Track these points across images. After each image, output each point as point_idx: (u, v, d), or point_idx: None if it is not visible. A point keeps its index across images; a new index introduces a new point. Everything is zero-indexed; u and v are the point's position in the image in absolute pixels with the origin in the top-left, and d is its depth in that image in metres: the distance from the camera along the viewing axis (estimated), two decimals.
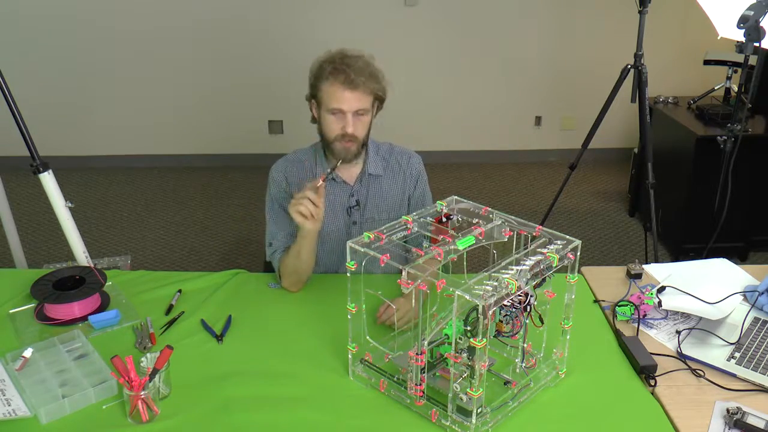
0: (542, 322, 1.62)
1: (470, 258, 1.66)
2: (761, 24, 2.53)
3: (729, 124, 2.88)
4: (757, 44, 2.56)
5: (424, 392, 1.54)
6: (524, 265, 1.47)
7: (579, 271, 1.78)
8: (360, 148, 2.02)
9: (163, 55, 4.71)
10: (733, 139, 2.85)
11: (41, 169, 2.23)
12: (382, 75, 2.00)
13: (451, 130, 5.03)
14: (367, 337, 1.67)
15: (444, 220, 1.70)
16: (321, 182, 1.87)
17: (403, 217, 1.68)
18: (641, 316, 1.89)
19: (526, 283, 1.46)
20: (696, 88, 4.06)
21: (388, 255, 1.50)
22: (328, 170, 1.98)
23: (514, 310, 1.54)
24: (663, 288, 1.99)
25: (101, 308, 1.92)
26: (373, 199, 2.13)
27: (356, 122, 1.96)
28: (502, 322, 1.57)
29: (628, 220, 4.28)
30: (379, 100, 2.04)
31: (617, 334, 1.84)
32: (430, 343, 1.52)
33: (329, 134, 1.99)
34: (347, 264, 1.55)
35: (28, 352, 1.68)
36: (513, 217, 1.66)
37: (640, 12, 3.06)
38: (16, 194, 4.15)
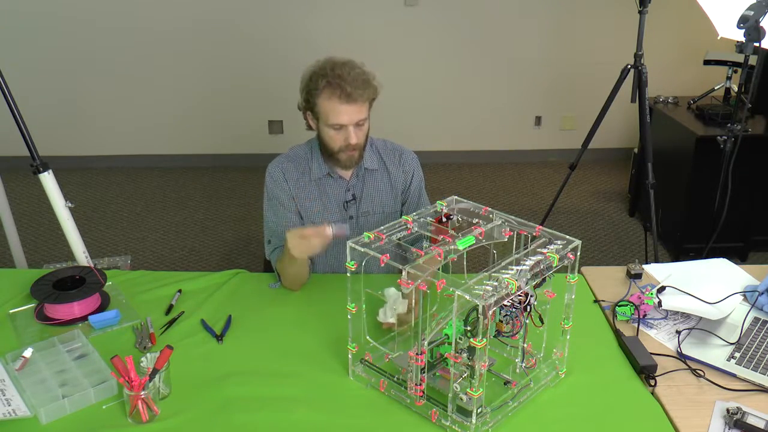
0: (542, 322, 1.62)
1: (470, 258, 1.66)
2: (761, 24, 2.53)
3: (729, 124, 2.88)
4: (757, 44, 2.56)
5: (424, 392, 1.54)
6: (524, 265, 1.47)
7: (579, 271, 1.78)
8: (363, 151, 2.06)
9: (164, 55, 4.71)
10: (733, 139, 2.85)
11: (41, 169, 2.24)
12: (373, 76, 2.00)
13: (451, 130, 5.03)
14: (367, 337, 1.67)
15: (444, 220, 1.70)
16: (331, 231, 1.82)
17: (403, 217, 1.67)
18: (641, 316, 1.89)
19: (526, 283, 1.46)
20: (696, 88, 4.06)
21: (387, 255, 1.50)
22: (346, 231, 1.87)
23: (514, 310, 1.54)
24: (663, 288, 1.99)
25: (101, 308, 1.92)
26: (368, 193, 2.15)
27: (358, 132, 1.99)
28: (502, 322, 1.57)
29: (628, 220, 4.28)
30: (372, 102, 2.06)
31: (617, 334, 1.84)
32: (430, 343, 1.52)
33: (332, 146, 2.01)
34: (347, 264, 1.56)
35: (28, 352, 1.69)
36: (513, 217, 1.66)
37: (640, 12, 3.06)
38: (16, 194, 4.15)
